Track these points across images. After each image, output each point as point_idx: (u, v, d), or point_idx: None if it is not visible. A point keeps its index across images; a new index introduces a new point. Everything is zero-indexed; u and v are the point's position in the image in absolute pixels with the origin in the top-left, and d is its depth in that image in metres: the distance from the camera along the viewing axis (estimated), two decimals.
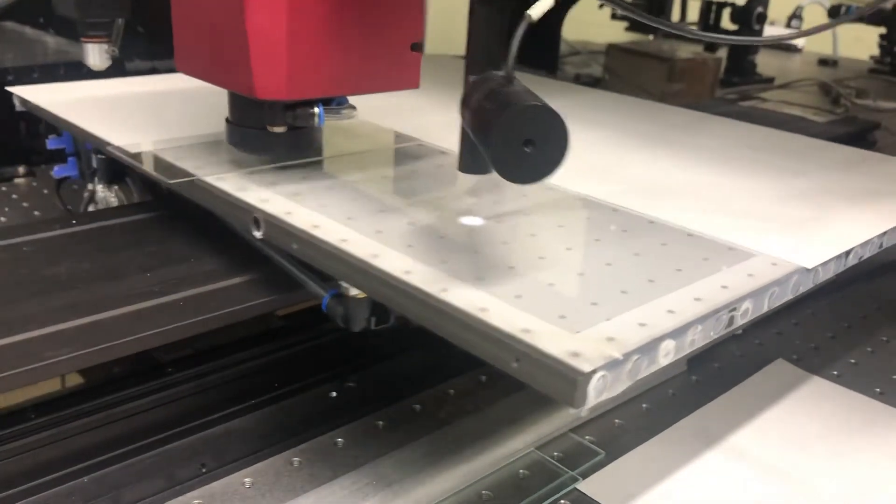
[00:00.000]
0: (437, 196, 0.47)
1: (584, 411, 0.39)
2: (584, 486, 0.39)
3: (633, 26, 1.52)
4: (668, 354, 0.32)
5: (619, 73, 1.10)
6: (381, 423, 0.42)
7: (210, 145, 0.51)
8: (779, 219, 0.46)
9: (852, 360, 0.52)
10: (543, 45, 1.09)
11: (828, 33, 1.46)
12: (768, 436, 0.44)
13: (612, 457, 0.42)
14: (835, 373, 0.50)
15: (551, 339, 0.30)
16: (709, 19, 1.22)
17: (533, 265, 0.37)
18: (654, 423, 0.44)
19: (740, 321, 0.35)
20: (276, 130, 0.45)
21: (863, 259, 0.44)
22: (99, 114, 0.58)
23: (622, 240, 0.41)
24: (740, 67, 1.18)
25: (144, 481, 0.38)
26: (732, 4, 1.18)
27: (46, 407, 0.43)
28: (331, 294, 0.43)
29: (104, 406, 0.43)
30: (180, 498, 0.36)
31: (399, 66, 0.46)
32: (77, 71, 0.77)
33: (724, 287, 0.36)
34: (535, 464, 0.41)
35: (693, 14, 1.41)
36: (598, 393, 0.29)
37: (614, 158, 0.57)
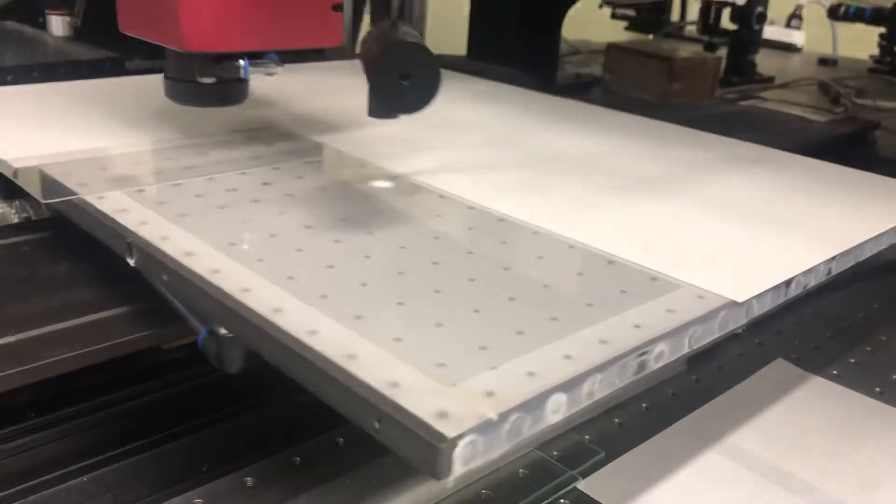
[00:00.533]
0: (343, 216, 0.44)
1: (451, 482, 0.34)
2: (584, 485, 0.39)
3: (633, 26, 1.52)
4: (558, 411, 0.28)
5: (618, 73, 1.10)
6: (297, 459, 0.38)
7: (111, 158, 0.49)
8: (713, 243, 0.43)
9: (852, 360, 0.52)
10: (543, 45, 1.09)
11: (828, 33, 1.46)
12: (768, 435, 0.44)
13: (611, 456, 0.42)
14: (834, 372, 0.50)
15: (420, 396, 0.27)
16: (709, 19, 1.22)
17: (425, 299, 0.34)
18: (653, 422, 0.44)
19: (654, 365, 0.32)
20: (205, 81, 0.48)
21: (808, 288, 0.41)
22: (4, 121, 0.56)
23: (535, 267, 0.38)
24: (740, 67, 1.18)
25: None
26: (732, 4, 1.18)
27: None
28: (206, 331, 0.39)
29: None
30: None
31: (322, 23, 0.49)
32: (76, 71, 0.77)
33: (637, 326, 0.33)
34: (534, 463, 0.41)
35: (693, 14, 1.41)
36: (466, 461, 0.26)
37: (536, 178, 0.53)
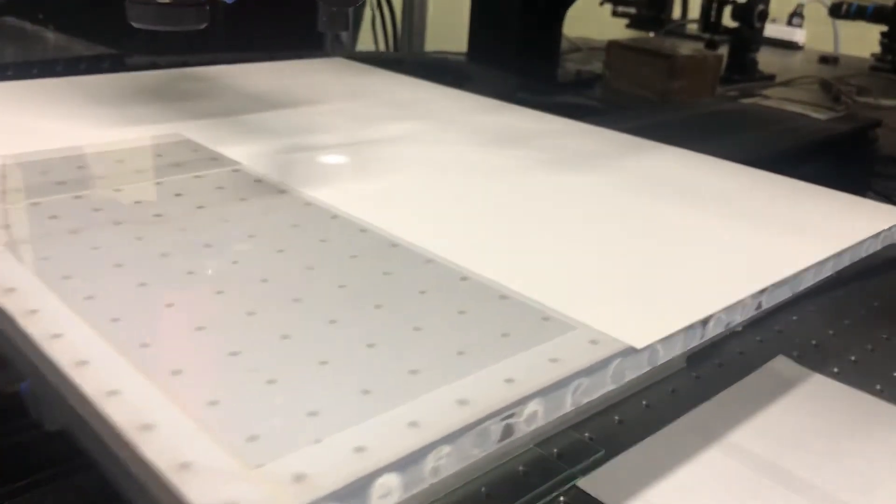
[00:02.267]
0: (209, 242, 0.39)
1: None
2: (584, 483, 0.39)
3: (634, 23, 1.52)
4: (387, 495, 0.23)
5: (619, 70, 1.09)
6: None
7: None
8: (625, 274, 0.38)
9: (852, 358, 0.52)
10: (544, 42, 1.09)
11: (829, 31, 1.46)
12: (768, 433, 0.44)
13: (611, 454, 0.41)
14: (835, 370, 0.50)
15: (207, 484, 0.22)
16: (709, 17, 1.22)
17: (267, 348, 0.29)
18: (654, 420, 0.44)
19: (525, 428, 0.28)
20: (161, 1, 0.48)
21: (731, 326, 0.36)
22: None
23: (412, 305, 0.33)
24: (741, 65, 1.18)
25: None
26: (733, 2, 1.18)
27: None
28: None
29: None
30: None
31: None
32: (75, 67, 0.77)
33: (509, 381, 0.28)
34: (534, 460, 0.41)
35: (694, 12, 1.41)
36: None
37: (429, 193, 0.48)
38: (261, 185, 0.45)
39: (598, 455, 0.41)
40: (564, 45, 1.15)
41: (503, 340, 0.31)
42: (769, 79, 1.17)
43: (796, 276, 0.40)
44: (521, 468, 0.40)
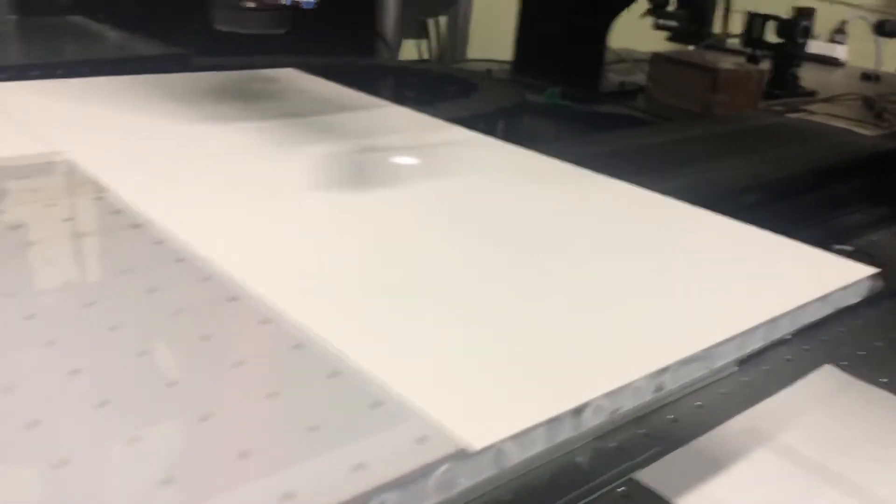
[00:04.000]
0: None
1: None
2: (641, 475, 0.41)
3: (675, 37, 1.53)
4: None
5: (662, 82, 1.11)
6: None
7: None
8: (499, 346, 0.31)
9: None
10: (589, 53, 1.11)
11: (872, 48, 1.46)
12: (818, 437, 0.45)
13: (667, 450, 0.43)
14: (884, 380, 0.52)
15: None
16: (752, 32, 1.23)
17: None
18: (706, 419, 0.46)
19: None
20: (248, 5, 0.51)
21: (619, 413, 0.31)
22: None
23: (212, 381, 0.27)
24: (783, 80, 1.19)
25: None
26: (777, 18, 1.19)
27: None
28: None
29: None
30: None
31: None
32: (140, 65, 0.80)
33: (290, 497, 0.22)
34: (593, 453, 0.43)
35: (734, 26, 1.42)
36: None
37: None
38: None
39: (653, 450, 0.43)
40: (608, 55, 1.16)
41: (306, 436, 0.24)
42: (810, 94, 1.18)
43: (710, 350, 0.33)
44: (579, 459, 0.42)
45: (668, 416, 0.46)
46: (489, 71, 1.13)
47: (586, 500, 0.39)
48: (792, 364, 0.53)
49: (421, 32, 0.46)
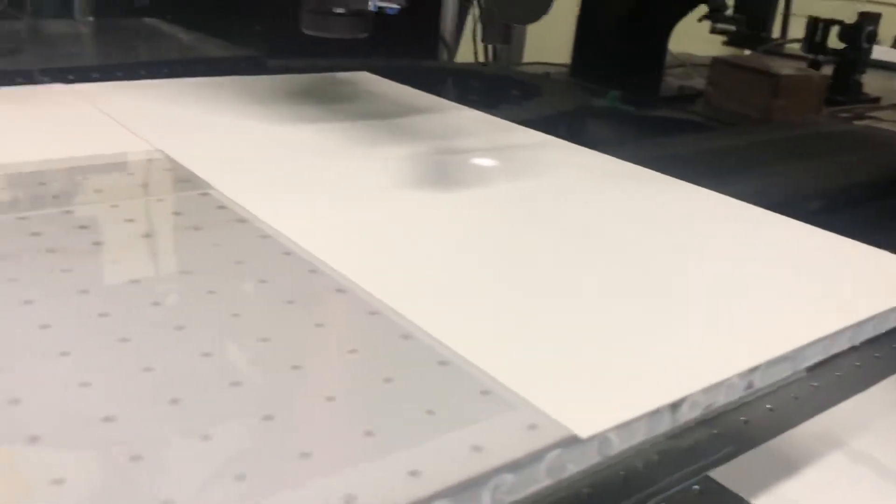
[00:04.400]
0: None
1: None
2: (714, 473, 0.42)
3: (732, 41, 1.52)
4: None
5: (722, 87, 1.11)
6: None
7: None
8: (599, 341, 0.32)
9: None
10: (649, 57, 1.12)
11: None
12: (891, 442, 0.46)
13: (738, 451, 0.44)
14: None
15: None
16: (814, 37, 1.22)
17: (148, 416, 0.26)
18: (777, 422, 0.47)
19: None
20: (337, 11, 0.52)
21: (712, 409, 0.30)
22: None
23: (333, 367, 0.29)
24: (845, 86, 1.17)
25: None
26: (840, 22, 1.18)
27: None
28: None
29: None
30: None
31: None
32: (216, 67, 0.83)
33: (415, 474, 0.23)
34: (667, 451, 0.44)
35: (796, 30, 1.40)
36: None
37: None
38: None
39: (726, 450, 0.44)
40: (668, 59, 1.17)
41: (425, 419, 0.26)
42: (874, 101, 1.17)
43: (798, 351, 0.33)
44: (656, 457, 0.43)
45: (741, 418, 0.47)
46: (547, 74, 1.14)
47: (662, 495, 0.40)
48: (862, 370, 0.53)
49: (506, 38, 0.47)
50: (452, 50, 1.20)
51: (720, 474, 0.42)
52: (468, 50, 1.45)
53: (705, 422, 0.46)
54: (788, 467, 0.43)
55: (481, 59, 1.38)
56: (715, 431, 0.45)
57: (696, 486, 0.41)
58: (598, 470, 0.41)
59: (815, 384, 0.51)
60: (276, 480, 0.23)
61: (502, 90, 0.96)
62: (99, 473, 0.22)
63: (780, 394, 0.50)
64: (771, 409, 0.48)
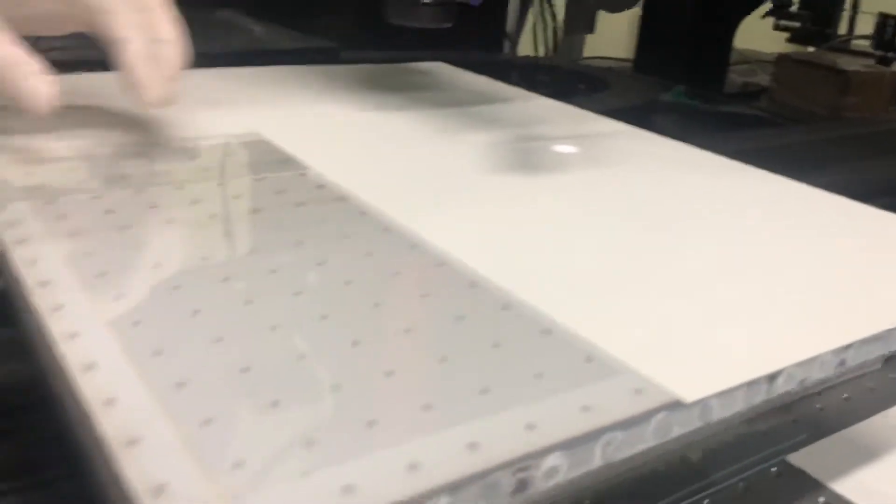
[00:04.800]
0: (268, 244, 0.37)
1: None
2: (792, 458, 0.43)
3: (796, 37, 1.50)
4: None
5: (788, 84, 1.10)
6: None
7: (58, 160, 0.45)
8: (701, 312, 0.34)
9: None
10: (714, 54, 1.11)
11: None
12: None
13: (813, 437, 0.45)
14: None
15: None
16: (884, 34, 1.20)
17: (282, 365, 0.27)
18: (853, 411, 0.47)
19: (542, 484, 0.24)
20: (424, 1, 0.55)
21: (805, 383, 0.32)
22: None
23: (443, 337, 0.30)
24: None
25: None
26: None
27: None
28: None
29: None
30: None
31: None
32: (296, 57, 0.86)
33: (531, 428, 0.25)
34: (744, 435, 0.45)
35: (863, 27, 1.38)
36: None
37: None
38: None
39: (802, 436, 0.45)
40: (733, 56, 1.16)
41: (533, 382, 0.27)
42: None
43: (890, 332, 0.34)
44: (732, 440, 0.44)
45: (816, 406, 0.48)
46: (610, 68, 1.15)
47: (740, 476, 0.42)
48: None
49: (590, 27, 0.48)
50: (515, 43, 1.21)
51: (798, 459, 0.43)
52: (527, 43, 1.46)
53: (782, 408, 0.47)
54: (865, 454, 0.44)
55: (541, 52, 1.39)
56: (791, 418, 0.46)
57: (774, 469, 0.42)
58: (676, 448, 0.43)
59: (892, 376, 0.52)
60: (407, 428, 0.24)
61: (569, 83, 0.97)
62: (173, 435, 0.23)
63: (856, 383, 0.50)
64: (846, 399, 0.49)
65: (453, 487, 0.22)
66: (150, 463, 0.21)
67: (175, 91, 0.46)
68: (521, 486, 0.23)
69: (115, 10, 0.44)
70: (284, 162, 0.48)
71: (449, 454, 0.23)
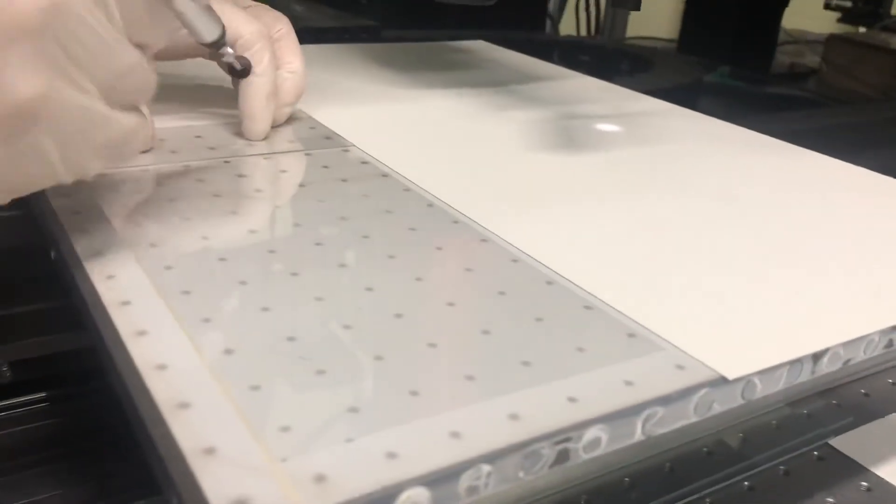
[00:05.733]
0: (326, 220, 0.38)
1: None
2: (835, 442, 0.42)
3: (847, 17, 1.46)
4: None
5: (838, 65, 1.07)
6: None
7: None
8: (744, 291, 0.34)
9: None
10: (762, 34, 1.09)
11: None
12: None
13: (857, 421, 0.44)
14: None
15: (227, 473, 0.21)
16: None
17: (325, 336, 0.28)
18: None
19: (583, 455, 0.24)
20: None
21: (851, 364, 0.31)
22: None
23: (485, 308, 0.31)
24: None
25: None
26: None
27: None
28: None
29: None
30: None
31: None
32: (338, 35, 0.86)
33: (572, 400, 0.25)
34: (786, 418, 0.44)
35: None
36: None
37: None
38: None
39: (846, 420, 0.44)
40: (781, 36, 1.14)
41: (576, 356, 0.28)
42: None
43: None
44: (774, 422, 0.44)
45: (861, 391, 0.47)
46: (654, 48, 1.13)
47: (783, 458, 0.41)
48: None
49: (636, 4, 0.48)
50: (556, 23, 1.20)
51: (840, 443, 0.42)
52: (569, 23, 1.44)
53: (826, 392, 0.46)
54: None
55: (583, 32, 1.37)
56: (835, 402, 0.45)
57: (816, 453, 0.42)
58: (718, 430, 0.43)
59: None
60: (449, 398, 0.25)
61: (612, 63, 0.96)
62: (222, 399, 0.23)
63: None
64: (893, 384, 0.48)
65: (494, 456, 0.22)
66: (200, 426, 0.22)
67: (287, 115, 0.49)
68: (562, 457, 0.24)
69: (253, 47, 0.44)
70: (328, 138, 0.48)
71: (491, 424, 0.23)
